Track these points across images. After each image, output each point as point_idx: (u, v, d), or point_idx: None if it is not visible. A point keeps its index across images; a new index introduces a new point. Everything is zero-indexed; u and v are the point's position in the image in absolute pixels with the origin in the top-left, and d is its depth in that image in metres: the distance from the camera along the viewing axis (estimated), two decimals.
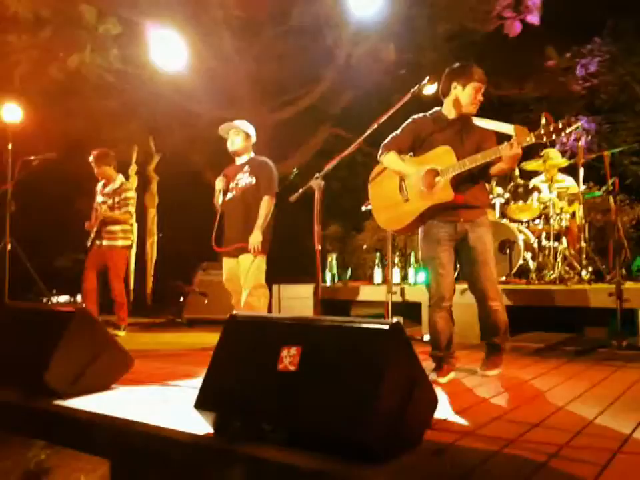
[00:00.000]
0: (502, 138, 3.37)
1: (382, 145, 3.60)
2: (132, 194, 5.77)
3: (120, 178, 5.80)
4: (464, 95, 3.45)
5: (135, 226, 9.89)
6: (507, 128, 3.34)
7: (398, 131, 3.59)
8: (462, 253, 3.51)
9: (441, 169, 3.34)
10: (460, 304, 3.75)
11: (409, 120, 3.60)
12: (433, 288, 3.50)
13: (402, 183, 3.52)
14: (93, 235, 5.58)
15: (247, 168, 4.60)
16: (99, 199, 5.74)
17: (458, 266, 3.69)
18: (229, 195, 4.59)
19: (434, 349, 3.54)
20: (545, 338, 5.33)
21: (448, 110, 3.53)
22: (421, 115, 3.60)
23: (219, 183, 4.60)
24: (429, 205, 3.38)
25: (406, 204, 3.49)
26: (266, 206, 4.48)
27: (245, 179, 4.56)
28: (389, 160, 3.54)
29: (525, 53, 9.92)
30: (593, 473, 1.78)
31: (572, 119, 3.12)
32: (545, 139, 3.10)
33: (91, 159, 5.69)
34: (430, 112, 3.60)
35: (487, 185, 3.65)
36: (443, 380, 3.39)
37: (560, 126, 3.04)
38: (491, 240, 3.50)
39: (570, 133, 3.09)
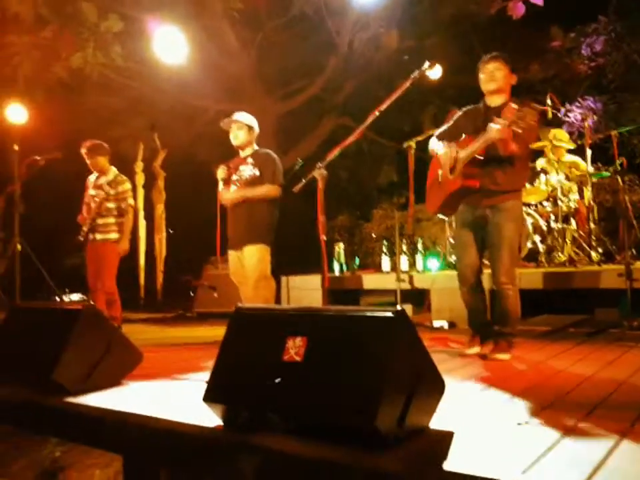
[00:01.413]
0: None
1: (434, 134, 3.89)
2: (129, 185, 5.62)
3: (113, 170, 5.61)
4: (481, 80, 3.64)
5: (144, 223, 9.99)
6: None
7: (448, 123, 3.83)
8: (484, 236, 3.62)
9: (458, 158, 3.51)
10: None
11: (459, 111, 3.80)
12: (458, 267, 3.78)
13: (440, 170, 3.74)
14: (86, 229, 5.41)
15: (250, 160, 4.56)
16: (92, 192, 5.52)
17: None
18: (233, 188, 4.57)
19: (469, 323, 3.85)
20: (555, 321, 5.31)
21: (489, 100, 3.67)
22: (471, 106, 3.77)
23: (221, 172, 4.57)
24: (448, 193, 3.59)
25: (438, 189, 3.71)
26: (266, 188, 4.44)
27: (248, 171, 4.52)
28: (432, 145, 3.79)
29: (529, 34, 9.83)
30: (601, 453, 1.77)
31: (533, 104, 3.22)
32: (515, 127, 3.16)
33: (83, 150, 5.49)
34: (480, 103, 3.75)
35: (524, 167, 3.68)
36: (468, 351, 3.69)
37: (523, 112, 3.15)
38: (513, 225, 3.55)
39: (536, 116, 3.16)
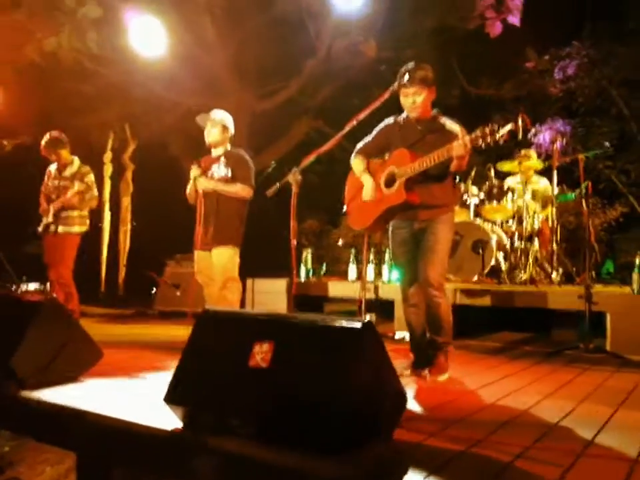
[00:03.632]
0: None
1: (355, 148, 3.74)
2: (93, 177, 5.54)
3: (77, 160, 5.52)
4: (402, 102, 3.51)
5: (108, 214, 9.84)
6: (455, 128, 3.34)
7: (370, 135, 3.72)
8: (419, 248, 3.54)
9: (396, 172, 3.45)
10: None
11: (381, 124, 3.70)
12: (400, 286, 3.71)
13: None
14: (48, 220, 5.29)
15: (223, 160, 4.52)
16: (54, 182, 5.44)
17: None
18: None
19: (410, 342, 3.72)
20: (513, 338, 5.40)
21: (413, 115, 3.56)
22: (392, 118, 3.68)
23: (195, 171, 4.49)
24: (386, 208, 3.52)
25: (369, 205, 3.60)
26: (239, 187, 4.40)
27: (220, 172, 4.47)
28: (355, 165, 3.72)
29: (504, 53, 10.00)
30: (555, 475, 1.81)
31: (496, 126, 3.14)
32: (480, 142, 3.12)
33: (44, 143, 5.38)
34: (401, 115, 3.64)
35: (453, 183, 3.67)
36: (407, 372, 3.51)
37: (490, 130, 3.09)
38: (447, 235, 3.53)
39: (502, 136, 3.12)
